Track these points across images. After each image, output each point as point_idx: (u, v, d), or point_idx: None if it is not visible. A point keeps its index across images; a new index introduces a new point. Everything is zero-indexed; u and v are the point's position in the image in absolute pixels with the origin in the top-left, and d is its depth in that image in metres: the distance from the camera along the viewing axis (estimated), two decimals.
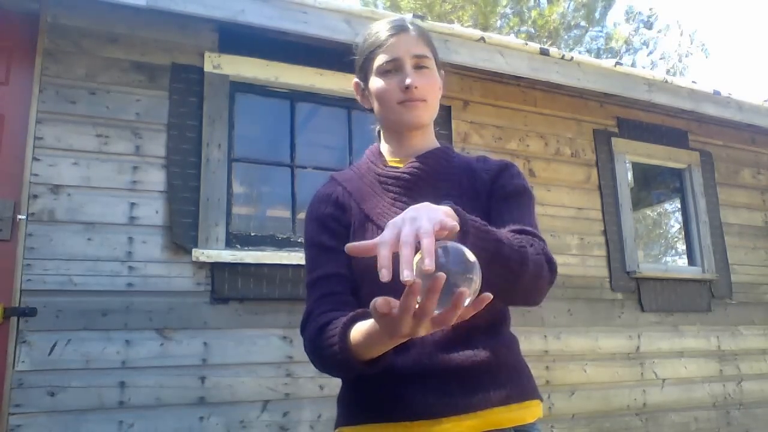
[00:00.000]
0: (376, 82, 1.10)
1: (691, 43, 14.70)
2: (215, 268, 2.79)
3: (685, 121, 4.36)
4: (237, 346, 2.77)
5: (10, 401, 2.38)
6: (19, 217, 2.55)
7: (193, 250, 2.74)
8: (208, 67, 2.96)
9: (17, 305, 2.46)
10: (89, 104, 2.73)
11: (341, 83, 3.23)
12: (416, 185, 1.06)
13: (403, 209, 0.98)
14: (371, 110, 1.16)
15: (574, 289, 3.66)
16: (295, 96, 3.23)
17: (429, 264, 0.66)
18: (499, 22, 12.95)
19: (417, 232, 0.69)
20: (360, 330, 0.84)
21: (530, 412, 1.00)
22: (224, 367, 2.73)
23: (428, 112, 1.10)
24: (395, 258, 0.68)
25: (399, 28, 1.09)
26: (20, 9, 2.75)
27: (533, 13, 12.76)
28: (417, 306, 0.69)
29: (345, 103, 3.32)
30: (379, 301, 0.70)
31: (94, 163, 2.69)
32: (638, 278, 3.86)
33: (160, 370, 2.62)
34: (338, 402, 1.07)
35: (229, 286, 2.79)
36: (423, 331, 0.73)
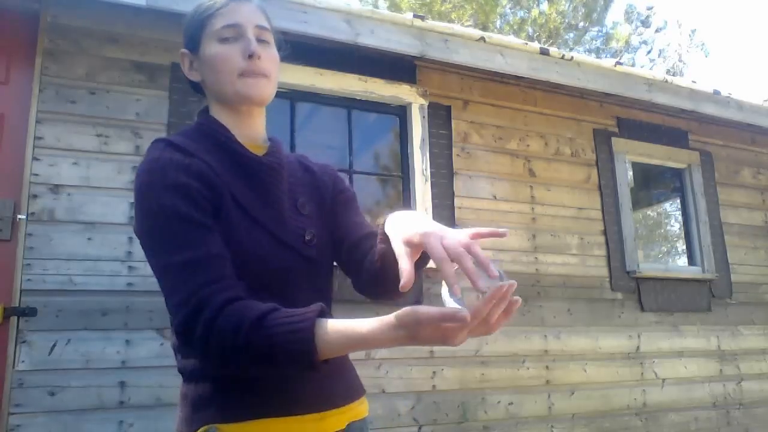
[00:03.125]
0: (211, 49, 0.98)
1: (691, 42, 14.69)
2: None
3: (685, 121, 4.36)
4: None
5: (10, 401, 2.38)
6: (19, 216, 2.54)
7: None
8: None
9: (17, 305, 2.46)
10: (89, 104, 2.73)
11: (341, 83, 3.23)
12: (281, 177, 1.00)
13: (276, 201, 0.99)
14: (195, 85, 1.05)
15: (574, 288, 3.66)
16: (295, 96, 3.22)
17: (494, 270, 0.72)
18: (499, 22, 12.95)
19: (461, 240, 0.74)
20: (339, 330, 0.77)
21: (365, 407, 1.06)
22: None
23: (269, 89, 1.01)
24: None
25: None
26: (20, 9, 2.75)
27: (533, 13, 12.75)
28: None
29: (345, 103, 3.32)
30: (479, 305, 0.71)
31: (94, 162, 2.69)
32: (638, 278, 3.86)
33: (160, 370, 2.61)
34: (204, 401, 0.96)
35: None
36: (462, 340, 0.74)
